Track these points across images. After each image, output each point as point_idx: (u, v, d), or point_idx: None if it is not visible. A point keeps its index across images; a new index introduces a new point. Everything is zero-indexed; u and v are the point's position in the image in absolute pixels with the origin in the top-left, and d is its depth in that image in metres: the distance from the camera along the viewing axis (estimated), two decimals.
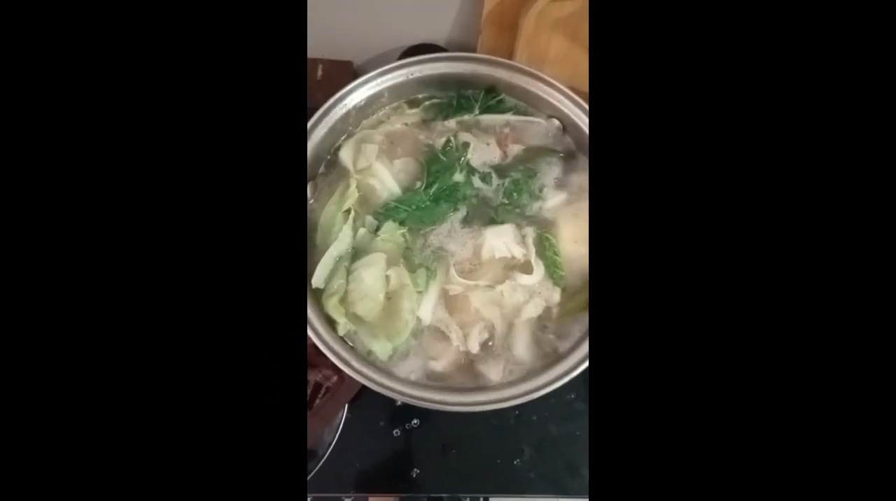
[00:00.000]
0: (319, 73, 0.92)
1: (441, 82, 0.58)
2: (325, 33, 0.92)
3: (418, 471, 0.61)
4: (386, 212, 0.53)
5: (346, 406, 0.64)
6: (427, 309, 0.50)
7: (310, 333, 0.46)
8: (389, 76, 0.55)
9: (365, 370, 0.46)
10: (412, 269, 0.51)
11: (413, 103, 0.59)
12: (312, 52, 0.93)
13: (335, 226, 0.52)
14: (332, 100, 0.54)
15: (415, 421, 0.62)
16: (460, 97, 0.59)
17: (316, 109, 0.93)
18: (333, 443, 0.65)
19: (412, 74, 0.56)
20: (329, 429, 0.65)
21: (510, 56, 0.87)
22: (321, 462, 0.62)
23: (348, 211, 0.53)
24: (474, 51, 0.91)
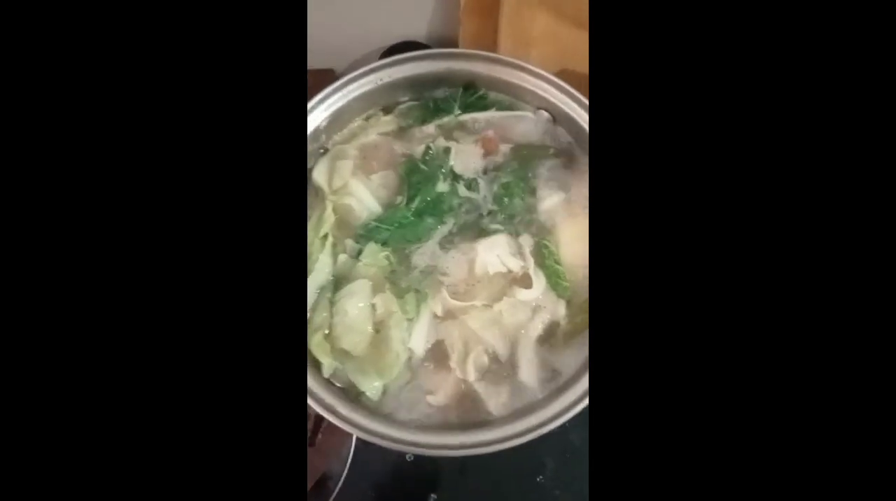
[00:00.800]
0: None
1: (415, 84, 0.53)
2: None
3: (436, 496, 0.58)
4: (366, 234, 0.49)
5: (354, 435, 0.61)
6: (419, 338, 0.46)
7: None
8: (356, 84, 0.51)
9: (354, 417, 0.42)
10: (400, 295, 0.47)
11: (387, 110, 0.55)
12: None
13: (312, 255, 0.48)
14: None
15: None
16: (437, 98, 0.54)
17: None
18: (344, 475, 0.62)
19: (381, 80, 0.51)
20: (338, 461, 0.62)
21: (494, 43, 0.81)
22: (333, 496, 0.60)
23: (326, 236, 0.49)
24: (456, 42, 0.85)
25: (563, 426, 0.57)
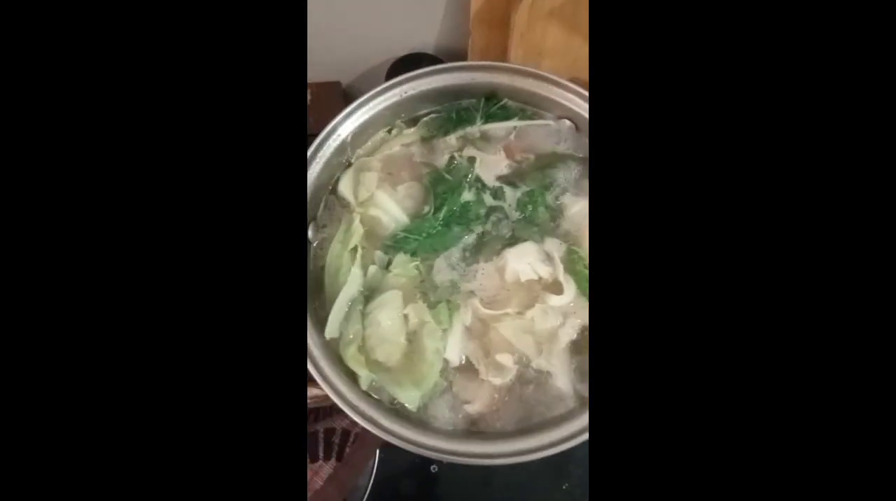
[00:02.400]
0: (309, 97, 0.88)
1: (438, 96, 0.53)
2: (309, 55, 0.89)
3: None
4: (395, 244, 0.49)
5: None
6: (454, 348, 0.46)
7: (328, 391, 0.42)
8: (383, 97, 0.51)
9: (395, 428, 0.42)
10: (432, 305, 0.47)
11: (410, 122, 0.55)
12: None
13: (342, 268, 0.48)
14: (324, 132, 0.50)
15: None
16: (459, 109, 0.54)
17: (310, 135, 0.90)
18: (369, 488, 0.61)
19: (406, 93, 0.51)
20: (363, 474, 0.61)
21: (504, 53, 0.83)
22: None
23: (355, 248, 0.49)
24: (465, 53, 0.87)
25: None
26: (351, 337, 0.46)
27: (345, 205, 0.51)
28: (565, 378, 0.45)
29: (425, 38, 0.87)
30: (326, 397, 0.43)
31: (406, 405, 0.45)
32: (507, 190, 0.51)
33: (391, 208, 0.50)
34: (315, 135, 0.88)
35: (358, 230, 0.49)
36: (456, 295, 0.48)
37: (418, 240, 0.49)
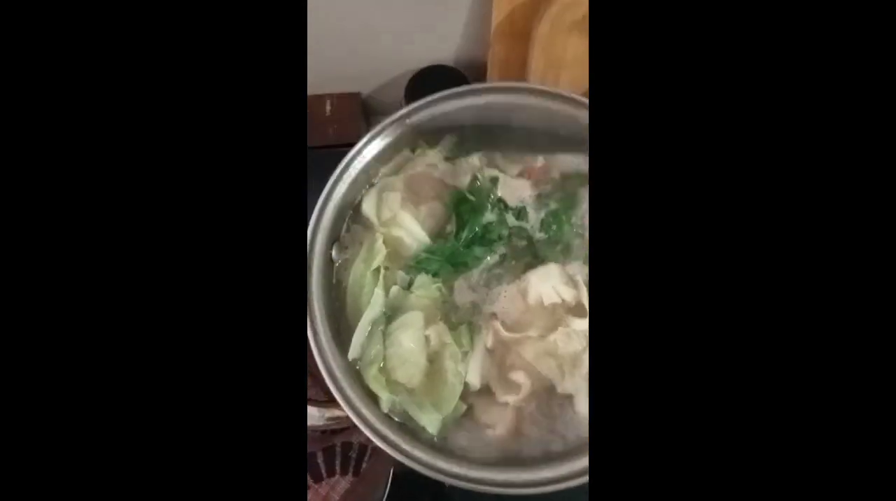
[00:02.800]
0: (328, 108, 0.89)
1: (462, 116, 0.53)
2: (329, 67, 0.89)
3: None
4: (417, 265, 0.49)
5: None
6: (475, 371, 0.46)
7: (349, 412, 0.43)
8: (408, 119, 0.51)
9: (417, 452, 0.42)
10: (453, 326, 0.47)
11: (432, 141, 0.55)
12: (319, 88, 0.90)
13: (365, 288, 0.48)
14: (351, 153, 0.50)
15: None
16: (482, 128, 0.54)
17: (327, 147, 0.91)
18: None
19: (431, 114, 0.52)
20: (376, 489, 0.61)
21: (524, 66, 0.82)
22: None
23: (378, 269, 0.49)
24: (485, 66, 0.86)
25: None
26: (372, 356, 0.46)
27: (368, 225, 0.52)
28: (587, 401, 0.45)
29: (445, 50, 0.87)
30: (348, 418, 0.43)
31: (427, 428, 0.45)
32: (530, 211, 0.51)
33: (414, 229, 0.50)
34: (334, 147, 0.89)
35: (381, 250, 0.49)
36: (478, 317, 0.48)
37: (440, 260, 0.49)
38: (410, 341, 0.46)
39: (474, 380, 0.46)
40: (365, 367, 0.46)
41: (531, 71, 0.78)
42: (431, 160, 0.54)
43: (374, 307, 0.47)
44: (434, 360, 0.47)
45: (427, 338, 0.47)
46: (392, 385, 0.46)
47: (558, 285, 0.47)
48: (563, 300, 0.47)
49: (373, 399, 0.45)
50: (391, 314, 0.48)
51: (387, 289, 0.49)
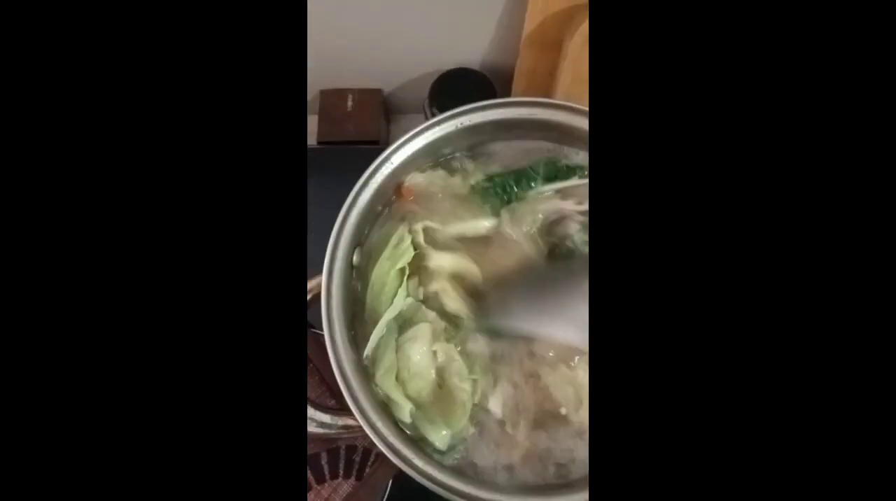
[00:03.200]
0: (350, 103, 0.88)
1: (493, 128, 0.52)
2: (353, 62, 0.88)
3: None
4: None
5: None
6: (497, 400, 0.45)
7: (362, 423, 0.42)
8: (438, 128, 0.50)
9: (429, 469, 0.41)
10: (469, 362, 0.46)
11: (469, 158, 0.54)
12: (341, 82, 0.89)
13: (388, 285, 0.47)
14: (378, 161, 0.49)
15: None
16: (518, 172, 0.52)
17: (348, 142, 0.90)
18: None
19: (461, 124, 0.51)
20: (377, 495, 0.61)
21: (550, 77, 0.81)
22: None
23: (403, 269, 0.48)
24: (511, 72, 0.85)
25: None
26: (388, 365, 0.46)
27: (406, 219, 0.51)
28: None
29: (472, 53, 0.86)
30: (360, 428, 0.43)
31: (435, 443, 0.45)
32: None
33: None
34: (353, 143, 0.88)
35: (408, 251, 0.48)
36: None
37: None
38: (418, 355, 0.46)
39: (496, 409, 0.45)
40: (382, 375, 0.46)
41: (558, 83, 0.77)
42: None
43: (395, 308, 0.47)
44: (442, 376, 0.46)
45: (434, 354, 0.46)
46: (407, 397, 0.46)
47: None
48: None
49: (385, 408, 0.45)
50: (402, 324, 0.48)
51: (406, 294, 0.48)
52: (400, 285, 0.47)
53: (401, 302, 0.47)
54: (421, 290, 0.48)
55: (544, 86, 0.84)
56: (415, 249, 0.48)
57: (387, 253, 0.49)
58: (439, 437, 0.45)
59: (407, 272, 0.48)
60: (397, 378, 0.46)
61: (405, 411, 0.45)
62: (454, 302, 0.48)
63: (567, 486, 0.42)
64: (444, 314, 0.48)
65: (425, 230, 0.50)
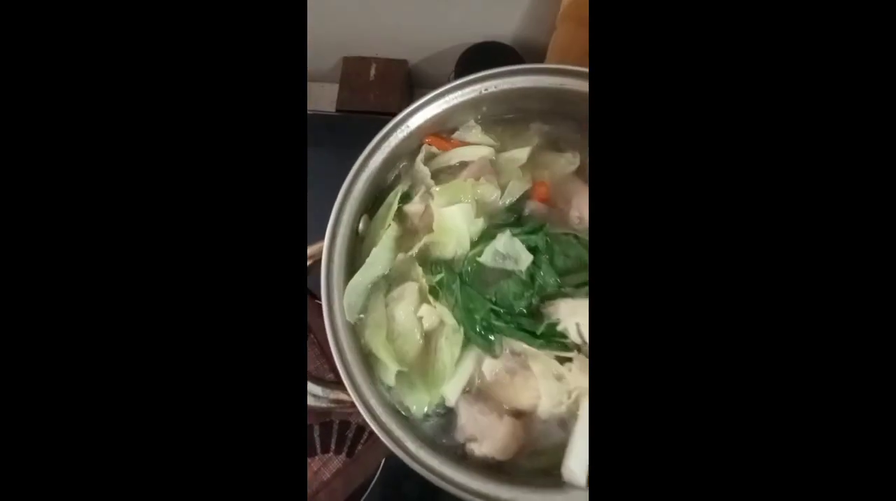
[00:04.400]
0: (372, 72, 0.85)
1: (518, 97, 0.48)
2: (379, 31, 0.85)
3: None
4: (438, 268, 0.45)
5: None
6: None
7: (355, 399, 0.40)
8: (459, 93, 0.47)
9: (424, 456, 0.39)
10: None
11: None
12: (366, 50, 0.86)
13: (377, 239, 0.45)
14: (392, 124, 0.46)
15: None
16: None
17: (367, 112, 0.87)
18: (371, 486, 0.60)
19: (486, 89, 0.47)
20: (366, 473, 0.60)
21: (584, 53, 0.77)
22: None
23: (389, 226, 0.45)
24: (544, 48, 0.81)
25: None
26: (377, 322, 0.43)
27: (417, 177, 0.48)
28: (581, 458, 0.39)
29: (503, 27, 0.82)
30: (351, 404, 0.41)
31: (412, 409, 0.42)
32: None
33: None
34: (373, 113, 0.85)
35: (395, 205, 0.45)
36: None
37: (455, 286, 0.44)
38: (403, 313, 0.44)
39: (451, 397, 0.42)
40: (370, 333, 0.43)
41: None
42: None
43: (372, 265, 0.44)
44: (430, 339, 0.43)
45: (420, 319, 0.43)
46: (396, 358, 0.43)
47: (584, 325, 0.41)
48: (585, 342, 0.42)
49: (370, 370, 0.42)
50: (392, 281, 0.45)
51: (395, 253, 0.45)
52: (380, 242, 0.45)
53: (379, 262, 0.45)
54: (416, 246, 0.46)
55: (579, 64, 0.80)
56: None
57: (381, 212, 0.47)
58: (417, 401, 0.42)
59: (393, 232, 0.46)
60: (387, 337, 0.43)
61: (390, 373, 0.42)
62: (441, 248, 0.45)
63: (544, 484, 0.39)
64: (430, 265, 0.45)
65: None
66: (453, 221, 0.44)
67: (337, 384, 0.42)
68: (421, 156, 0.49)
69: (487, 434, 0.41)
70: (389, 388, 0.43)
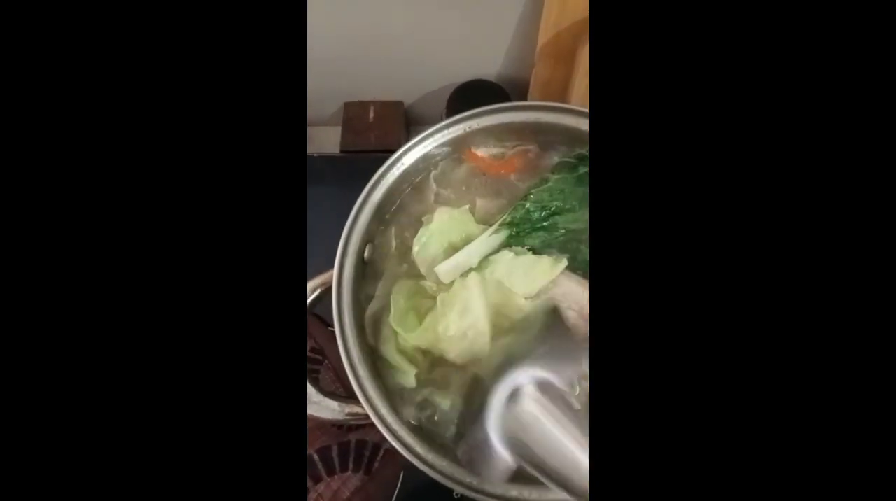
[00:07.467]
0: (371, 114, 0.92)
1: (501, 132, 0.54)
2: (375, 75, 0.93)
3: None
4: None
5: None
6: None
7: (367, 409, 0.44)
8: (447, 131, 0.53)
9: (430, 457, 0.42)
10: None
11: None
12: (364, 94, 0.94)
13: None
14: (391, 160, 0.52)
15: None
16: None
17: (369, 151, 0.93)
18: None
19: (470, 128, 0.53)
20: (386, 490, 0.62)
21: (565, 88, 0.83)
22: None
23: None
24: (527, 84, 0.88)
25: None
26: (386, 338, 0.47)
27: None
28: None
29: (488, 66, 0.89)
30: (366, 416, 0.44)
31: (401, 381, 0.45)
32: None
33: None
34: (375, 152, 0.92)
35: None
36: None
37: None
38: (402, 299, 0.48)
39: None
40: (385, 348, 0.47)
41: (573, 94, 0.79)
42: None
43: (378, 299, 0.49)
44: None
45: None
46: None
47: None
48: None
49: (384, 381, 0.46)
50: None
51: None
52: None
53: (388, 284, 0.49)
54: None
55: (559, 97, 0.85)
56: None
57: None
58: (406, 369, 0.45)
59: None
60: (397, 348, 0.47)
61: (409, 376, 0.45)
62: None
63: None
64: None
65: None
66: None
67: (350, 398, 0.46)
68: (435, 173, 0.54)
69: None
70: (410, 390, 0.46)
